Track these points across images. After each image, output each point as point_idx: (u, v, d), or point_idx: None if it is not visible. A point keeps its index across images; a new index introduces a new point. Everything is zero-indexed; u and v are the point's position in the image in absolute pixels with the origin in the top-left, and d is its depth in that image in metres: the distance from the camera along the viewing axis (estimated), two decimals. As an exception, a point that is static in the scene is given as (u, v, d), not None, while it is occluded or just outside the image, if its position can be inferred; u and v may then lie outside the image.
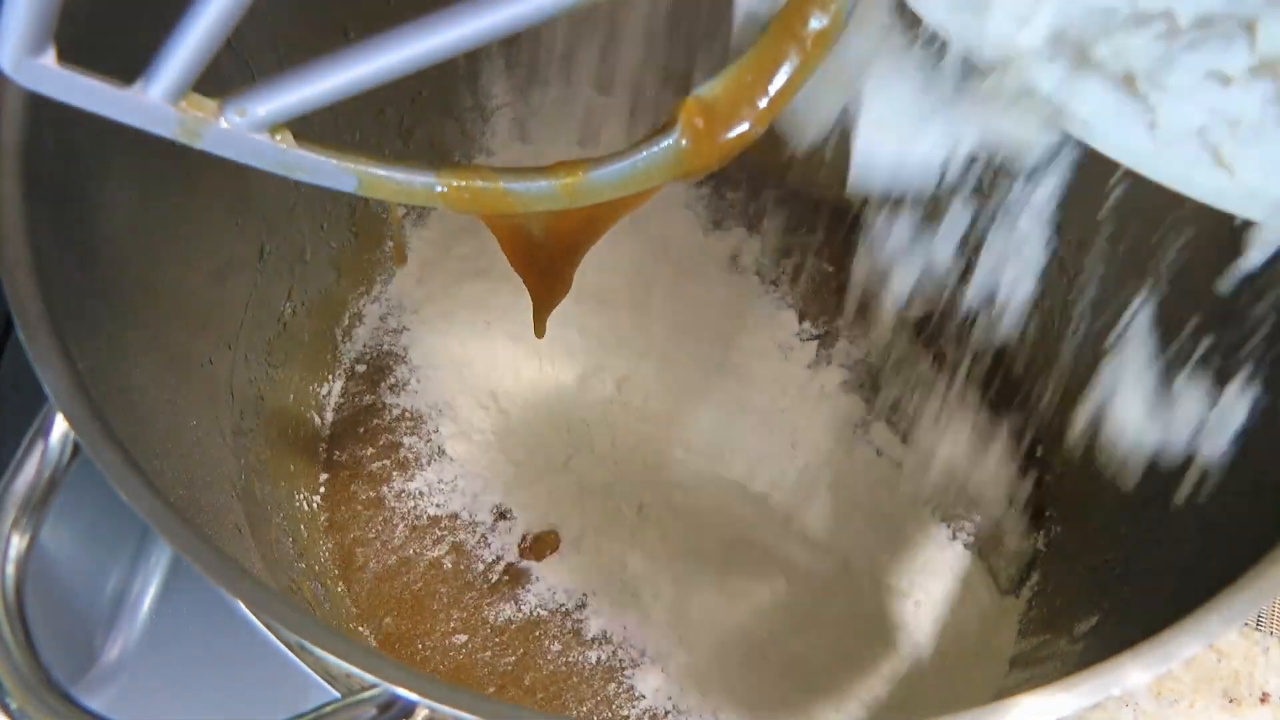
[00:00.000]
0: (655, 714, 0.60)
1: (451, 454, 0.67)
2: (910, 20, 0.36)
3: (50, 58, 0.31)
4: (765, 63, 0.33)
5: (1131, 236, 0.60)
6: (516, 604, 0.63)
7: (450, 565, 0.64)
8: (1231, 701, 0.60)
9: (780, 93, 0.33)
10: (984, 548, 0.64)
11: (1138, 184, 0.34)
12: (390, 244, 0.72)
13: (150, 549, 0.66)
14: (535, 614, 0.62)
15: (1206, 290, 0.49)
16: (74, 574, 0.64)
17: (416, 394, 0.69)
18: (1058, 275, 0.69)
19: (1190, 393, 0.50)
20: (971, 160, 0.39)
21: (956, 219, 0.51)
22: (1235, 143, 0.31)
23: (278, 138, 0.34)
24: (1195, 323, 0.52)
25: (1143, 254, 0.58)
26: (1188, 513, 0.54)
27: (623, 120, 0.76)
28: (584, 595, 0.62)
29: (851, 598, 0.59)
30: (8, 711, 0.36)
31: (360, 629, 0.63)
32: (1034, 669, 0.59)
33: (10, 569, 0.38)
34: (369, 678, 0.36)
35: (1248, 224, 0.34)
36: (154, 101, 0.32)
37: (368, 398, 0.69)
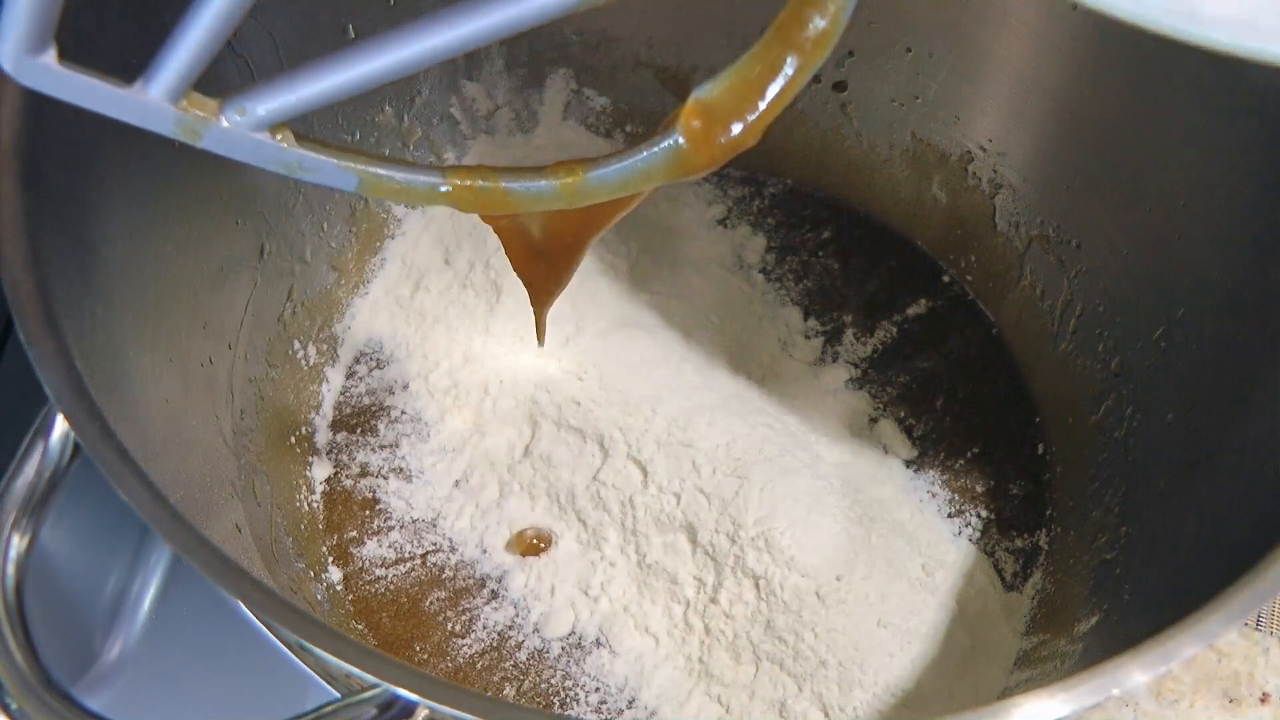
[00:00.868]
0: (655, 713, 0.60)
1: (451, 454, 0.67)
2: None
3: (51, 57, 0.31)
4: (765, 64, 0.33)
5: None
6: (515, 605, 0.63)
7: (449, 566, 0.64)
8: (1231, 701, 0.60)
9: (779, 94, 0.33)
10: (989, 544, 0.64)
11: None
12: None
13: (150, 549, 0.66)
14: (534, 614, 0.62)
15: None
16: (74, 574, 0.64)
17: (416, 394, 0.69)
18: (1056, 270, 0.69)
19: None
20: None
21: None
22: None
23: (278, 137, 0.34)
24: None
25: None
26: (1188, 513, 0.54)
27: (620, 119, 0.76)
28: (583, 596, 0.62)
29: (855, 595, 0.59)
30: (8, 711, 0.36)
31: (359, 629, 0.63)
32: (1034, 669, 0.59)
33: (10, 569, 0.38)
34: (369, 677, 0.36)
35: None
36: (154, 101, 0.32)
37: (367, 398, 0.69)
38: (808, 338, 0.71)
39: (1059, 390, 0.68)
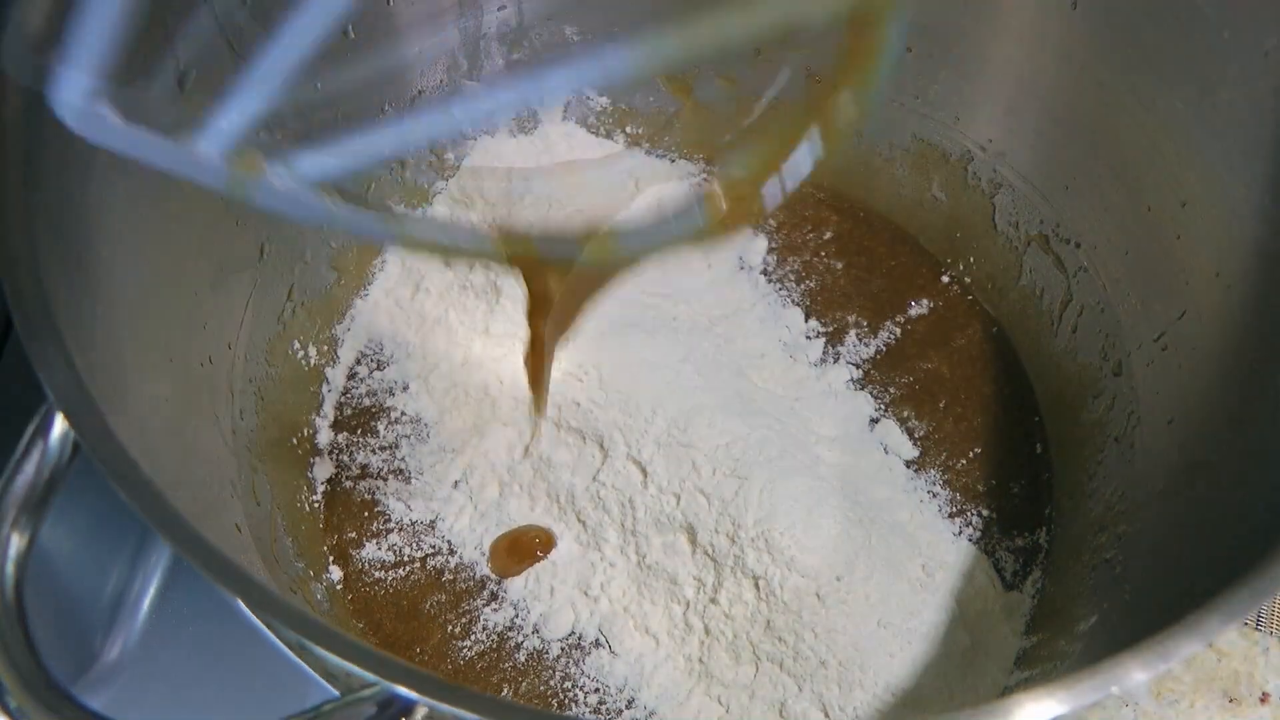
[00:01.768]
0: (654, 713, 0.60)
1: (450, 455, 0.67)
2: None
3: (109, 111, 0.32)
4: (787, 143, 0.35)
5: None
6: (514, 606, 0.63)
7: (449, 566, 0.64)
8: (1232, 701, 0.60)
9: (796, 176, 0.35)
10: (989, 544, 0.64)
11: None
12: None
13: (150, 549, 0.66)
14: (534, 615, 0.62)
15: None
16: (74, 574, 0.64)
17: (416, 395, 0.69)
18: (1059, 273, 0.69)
19: None
20: None
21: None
22: None
23: (323, 194, 0.35)
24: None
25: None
26: (1188, 512, 0.54)
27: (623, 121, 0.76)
28: (583, 596, 0.62)
29: (855, 595, 0.59)
30: (8, 711, 0.36)
31: (359, 628, 0.63)
32: (1034, 668, 0.59)
33: (10, 569, 0.38)
34: (368, 676, 0.36)
35: None
36: (207, 155, 0.33)
37: (367, 399, 0.69)
38: (809, 338, 0.71)
39: (1059, 390, 0.68)
